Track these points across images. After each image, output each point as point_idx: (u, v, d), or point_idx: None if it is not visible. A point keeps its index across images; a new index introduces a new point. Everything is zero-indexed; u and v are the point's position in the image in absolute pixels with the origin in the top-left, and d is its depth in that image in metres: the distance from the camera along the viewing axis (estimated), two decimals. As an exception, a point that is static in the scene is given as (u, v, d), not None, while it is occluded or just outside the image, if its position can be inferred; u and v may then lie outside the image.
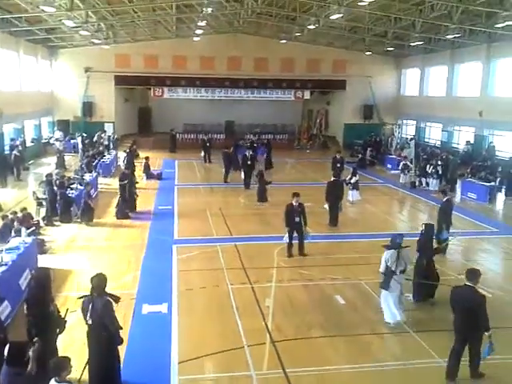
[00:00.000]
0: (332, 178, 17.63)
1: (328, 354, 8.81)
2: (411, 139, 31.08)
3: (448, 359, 8.02)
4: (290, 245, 13.80)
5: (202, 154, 31.17)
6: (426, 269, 10.83)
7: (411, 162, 27.72)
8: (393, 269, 9.64)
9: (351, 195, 20.42)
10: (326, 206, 17.01)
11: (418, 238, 11.37)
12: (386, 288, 9.73)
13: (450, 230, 14.18)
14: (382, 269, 9.89)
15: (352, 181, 20.48)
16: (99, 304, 7.08)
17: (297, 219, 13.58)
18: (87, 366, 7.08)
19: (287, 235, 13.74)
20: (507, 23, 23.85)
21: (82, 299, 7.29)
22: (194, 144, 36.66)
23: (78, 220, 16.93)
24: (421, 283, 10.68)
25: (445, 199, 14.53)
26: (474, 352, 7.92)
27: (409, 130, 40.66)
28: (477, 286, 7.86)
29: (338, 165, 23.30)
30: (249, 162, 23.47)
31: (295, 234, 13.81)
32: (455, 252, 14.80)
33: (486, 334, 7.63)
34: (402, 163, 25.53)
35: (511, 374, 8.31)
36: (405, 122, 40.88)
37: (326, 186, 17.30)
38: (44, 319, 7.08)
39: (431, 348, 8.91)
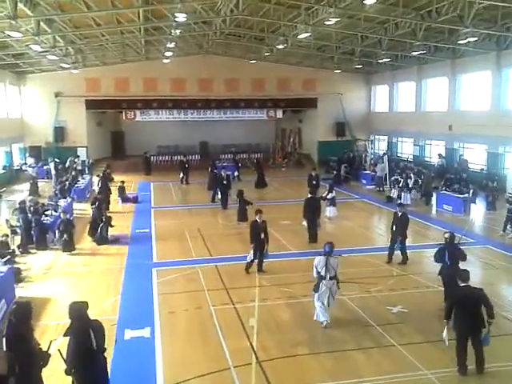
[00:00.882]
0: (309, 195, 17.72)
1: (315, 371, 8.74)
2: (384, 154, 31.53)
3: (457, 357, 8.50)
4: (252, 261, 13.85)
5: (181, 175, 31.04)
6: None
7: (385, 178, 28.12)
8: (322, 274, 10.20)
9: (329, 211, 20.58)
10: (305, 222, 17.09)
11: (438, 249, 11.46)
12: (317, 291, 10.35)
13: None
14: (314, 274, 10.41)
15: (329, 197, 20.65)
16: (98, 326, 7.04)
17: (262, 236, 13.71)
18: None
19: (252, 252, 13.74)
20: (469, 39, 24.64)
21: (66, 335, 7.09)
22: (169, 166, 36.70)
23: (55, 247, 16.60)
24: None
25: (401, 212, 14.71)
26: (476, 348, 8.40)
27: (381, 145, 41.31)
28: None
29: (314, 182, 23.45)
30: (224, 182, 23.52)
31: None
32: (434, 264, 14.95)
33: (490, 320, 8.30)
34: (393, 178, 26.00)
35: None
36: (377, 137, 41.55)
37: (304, 203, 17.38)
38: (27, 355, 6.84)
39: (417, 360, 8.90)
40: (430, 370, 8.53)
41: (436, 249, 11.70)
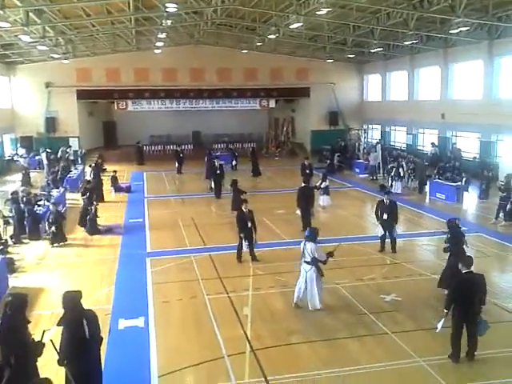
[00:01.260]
0: (302, 184, 17.74)
1: (309, 359, 8.78)
2: (377, 143, 31.58)
3: (452, 344, 8.53)
4: (240, 250, 14.00)
5: (177, 164, 30.95)
6: None
7: (379, 167, 28.19)
8: (301, 256, 10.70)
9: (322, 200, 20.61)
10: (298, 211, 17.11)
11: (450, 237, 11.50)
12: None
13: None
14: None
15: (322, 186, 20.68)
16: (91, 317, 7.00)
17: (249, 225, 13.86)
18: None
19: (244, 242, 13.88)
20: (461, 29, 24.64)
21: (59, 324, 7.06)
22: (162, 156, 36.64)
23: (48, 237, 16.52)
24: None
25: (389, 200, 14.74)
26: (471, 335, 8.49)
27: (374, 134, 41.35)
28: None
29: (307, 171, 23.47)
30: (218, 172, 23.50)
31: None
32: (427, 252, 15.10)
33: (481, 306, 8.52)
34: (389, 166, 26.08)
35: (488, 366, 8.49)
36: (370, 126, 41.57)
37: (297, 192, 17.40)
38: (22, 346, 6.82)
39: (410, 348, 8.97)
40: (422, 358, 8.61)
41: (445, 237, 11.77)
